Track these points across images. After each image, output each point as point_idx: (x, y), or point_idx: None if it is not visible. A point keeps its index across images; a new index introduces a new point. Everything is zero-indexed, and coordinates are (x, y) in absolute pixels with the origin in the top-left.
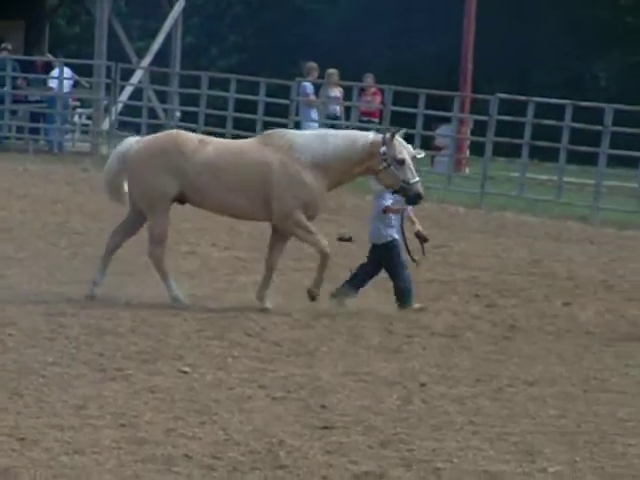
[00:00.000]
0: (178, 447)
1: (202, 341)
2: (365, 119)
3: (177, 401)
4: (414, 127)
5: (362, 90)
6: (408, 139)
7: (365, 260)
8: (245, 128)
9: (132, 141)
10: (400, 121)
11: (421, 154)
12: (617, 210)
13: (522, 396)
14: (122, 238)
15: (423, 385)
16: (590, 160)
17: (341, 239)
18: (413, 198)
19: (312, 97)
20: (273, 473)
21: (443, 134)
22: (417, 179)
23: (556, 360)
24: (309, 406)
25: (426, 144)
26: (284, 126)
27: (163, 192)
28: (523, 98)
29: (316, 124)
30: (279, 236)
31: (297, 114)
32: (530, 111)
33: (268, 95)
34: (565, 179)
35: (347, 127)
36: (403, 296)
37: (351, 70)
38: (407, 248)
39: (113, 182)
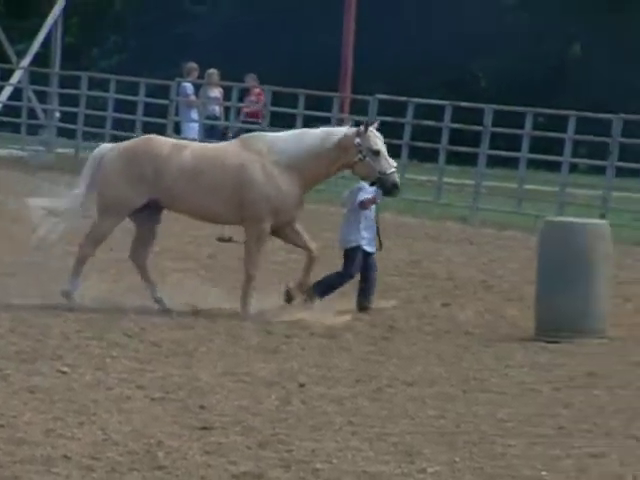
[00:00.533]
0: (57, 448)
1: (81, 341)
2: (250, 120)
3: (56, 401)
4: (294, 127)
5: (246, 90)
6: None
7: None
8: (125, 128)
9: (107, 147)
10: (280, 122)
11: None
12: (496, 210)
13: (401, 396)
14: (144, 251)
15: (302, 385)
16: (470, 161)
17: (221, 239)
18: (390, 188)
19: (192, 97)
20: (152, 474)
21: None
22: (393, 169)
23: (435, 360)
24: (188, 407)
25: None
26: (163, 126)
27: (129, 200)
28: (402, 99)
29: (196, 124)
30: (283, 233)
31: (177, 114)
32: (409, 112)
33: (148, 95)
34: (445, 180)
35: (227, 128)
36: (319, 286)
37: (232, 70)
38: (379, 235)
39: (89, 190)
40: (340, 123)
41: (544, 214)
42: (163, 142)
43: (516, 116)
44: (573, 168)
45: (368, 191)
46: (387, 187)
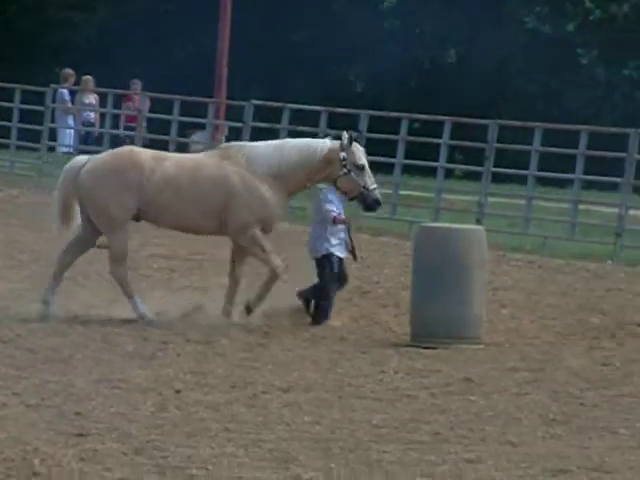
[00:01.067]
0: None
1: None
2: (132, 125)
3: None
4: (169, 134)
5: (125, 97)
6: (164, 147)
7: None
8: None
9: (82, 160)
10: (155, 127)
11: None
12: (371, 216)
13: (277, 403)
14: (74, 256)
15: (178, 392)
16: None
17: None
18: (372, 204)
19: (68, 104)
20: None
21: (197, 140)
22: (375, 185)
23: (311, 366)
24: (63, 413)
25: (181, 151)
26: (39, 133)
27: (122, 209)
28: (278, 104)
29: (72, 131)
30: (239, 249)
31: (53, 121)
32: (285, 117)
33: (23, 102)
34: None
35: (101, 135)
36: (318, 314)
37: (108, 76)
38: (353, 247)
39: (64, 204)
40: (216, 129)
41: (419, 220)
42: (145, 153)
43: (391, 121)
44: (449, 174)
45: (333, 201)
46: (368, 203)
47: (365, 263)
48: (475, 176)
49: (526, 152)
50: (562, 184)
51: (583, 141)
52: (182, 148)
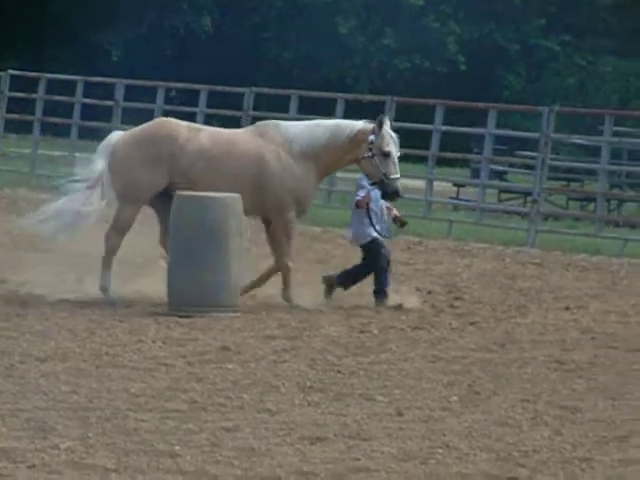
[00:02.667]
0: None
1: None
2: None
3: None
4: None
5: None
6: None
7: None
8: None
9: (118, 134)
10: None
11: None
12: None
13: (34, 372)
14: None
15: None
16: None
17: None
18: (390, 194)
19: None
20: None
21: None
22: (398, 175)
23: (68, 336)
24: None
25: None
26: None
27: (150, 184)
28: (34, 74)
29: None
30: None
31: None
32: (42, 87)
33: None
34: (77, 154)
35: None
36: (377, 296)
37: None
38: (395, 216)
39: (101, 176)
40: None
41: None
42: (179, 125)
43: (147, 90)
44: None
45: (365, 186)
46: (388, 191)
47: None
48: None
49: (283, 119)
50: None
51: (340, 109)
52: None
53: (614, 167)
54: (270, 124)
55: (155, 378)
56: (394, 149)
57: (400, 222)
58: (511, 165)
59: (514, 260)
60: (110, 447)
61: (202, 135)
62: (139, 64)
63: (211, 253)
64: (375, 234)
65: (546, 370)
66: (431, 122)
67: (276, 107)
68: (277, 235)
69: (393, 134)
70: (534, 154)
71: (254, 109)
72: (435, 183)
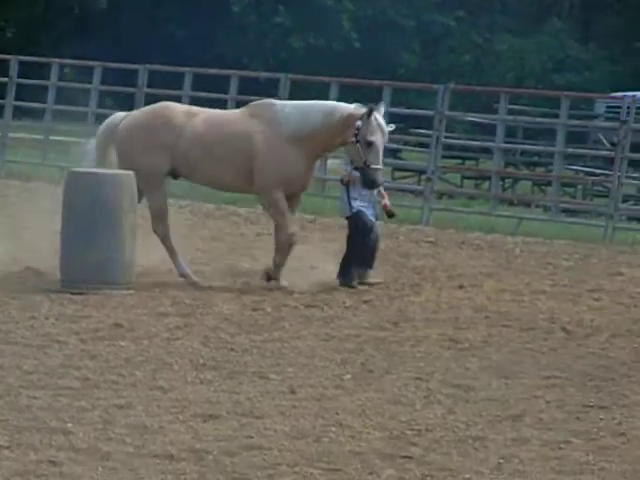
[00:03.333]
0: None
1: None
2: None
3: None
4: None
5: None
6: None
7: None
8: None
9: (121, 116)
10: None
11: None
12: (20, 162)
13: None
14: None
15: None
16: None
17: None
18: (368, 183)
19: None
20: None
21: None
22: (379, 166)
23: None
24: None
25: None
26: None
27: (156, 167)
28: None
29: None
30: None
31: None
32: None
33: None
34: None
35: None
36: (342, 272)
37: None
38: (384, 205)
39: (102, 152)
40: None
41: (71, 165)
42: (178, 109)
43: (42, 67)
44: (100, 118)
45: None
46: (366, 180)
47: (16, 208)
48: None
49: (177, 97)
50: None
51: (234, 86)
52: None
53: (509, 145)
54: (264, 104)
55: (48, 355)
56: (380, 139)
57: (388, 213)
58: (405, 143)
59: (408, 238)
60: (2, 424)
61: (197, 119)
62: (34, 41)
63: (105, 230)
64: (355, 210)
65: (439, 349)
66: (326, 99)
67: (170, 84)
68: (271, 214)
69: (383, 124)
70: (429, 132)
71: (148, 86)
72: (329, 161)
